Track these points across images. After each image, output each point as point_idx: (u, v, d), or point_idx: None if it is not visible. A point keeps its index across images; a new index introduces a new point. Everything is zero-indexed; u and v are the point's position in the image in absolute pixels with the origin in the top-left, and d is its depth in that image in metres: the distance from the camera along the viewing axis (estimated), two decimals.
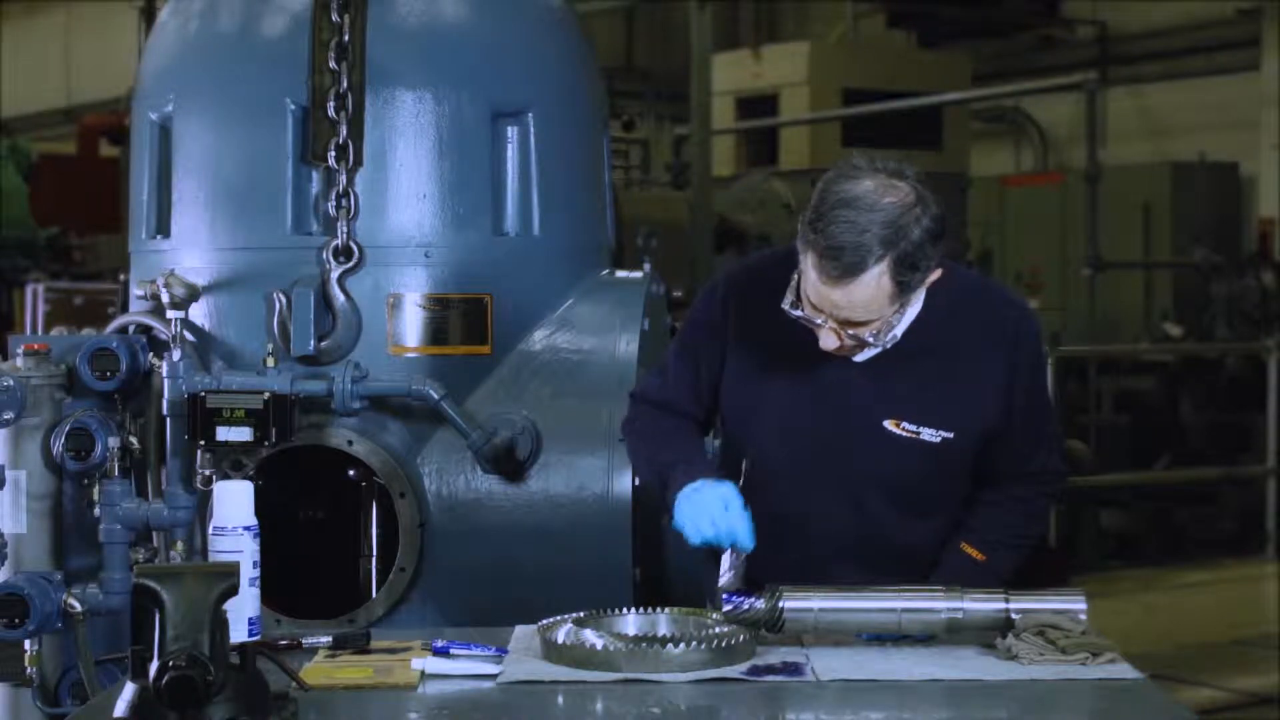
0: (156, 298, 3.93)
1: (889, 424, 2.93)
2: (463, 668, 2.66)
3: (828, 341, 2.82)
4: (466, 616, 3.63)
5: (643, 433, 3.16)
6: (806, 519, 3.01)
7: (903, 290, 2.78)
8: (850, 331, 2.81)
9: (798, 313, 2.84)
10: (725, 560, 2.96)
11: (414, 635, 2.90)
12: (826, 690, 2.58)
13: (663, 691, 2.56)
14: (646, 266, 4.27)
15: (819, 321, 2.82)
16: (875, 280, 2.73)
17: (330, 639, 2.81)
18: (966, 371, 2.94)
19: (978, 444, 2.97)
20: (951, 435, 2.93)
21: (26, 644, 3.88)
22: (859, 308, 2.77)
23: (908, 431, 2.93)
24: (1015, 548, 3.05)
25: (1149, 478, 10.98)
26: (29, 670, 3.91)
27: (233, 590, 2.39)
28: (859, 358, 2.93)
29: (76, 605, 3.81)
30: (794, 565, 2.94)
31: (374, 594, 3.94)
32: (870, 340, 2.84)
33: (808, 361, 2.92)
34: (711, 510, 2.89)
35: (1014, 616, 2.75)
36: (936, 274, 2.84)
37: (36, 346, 3.94)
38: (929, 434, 2.93)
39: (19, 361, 3.92)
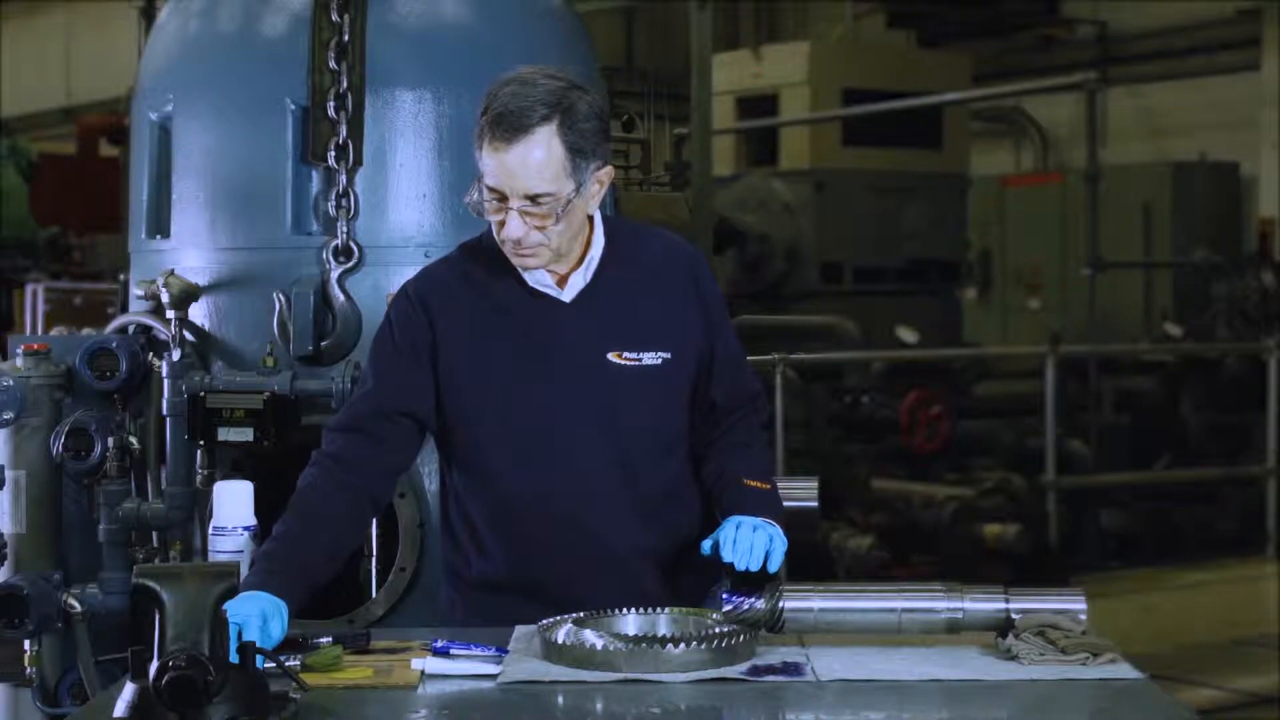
0: (156, 297, 3.93)
1: (612, 356, 3.03)
2: (463, 668, 2.66)
3: (512, 228, 2.89)
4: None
5: (297, 496, 2.98)
6: (580, 483, 3.02)
7: (575, 164, 2.87)
8: (531, 215, 2.88)
9: (478, 197, 2.91)
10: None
11: (414, 635, 2.90)
12: (826, 690, 2.58)
13: (663, 691, 2.56)
14: None
15: (498, 217, 2.90)
16: (546, 142, 2.85)
17: (330, 639, 2.81)
18: (663, 300, 3.08)
19: (694, 366, 3.09)
20: (669, 355, 3.05)
21: (26, 644, 3.88)
22: (534, 172, 2.85)
23: (630, 360, 3.04)
24: (769, 471, 3.17)
25: (1149, 478, 10.97)
26: (29, 670, 3.91)
27: (233, 590, 2.39)
28: (566, 296, 3.02)
29: (76, 605, 3.82)
30: (577, 560, 3.01)
31: (374, 594, 3.94)
32: (555, 220, 2.89)
33: (523, 323, 3.02)
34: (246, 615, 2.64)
35: (1014, 616, 2.75)
36: (607, 173, 2.96)
37: (36, 346, 3.94)
38: (650, 357, 3.04)
39: (19, 361, 3.92)
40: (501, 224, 2.91)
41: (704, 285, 3.14)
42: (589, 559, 3.02)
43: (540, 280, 3.02)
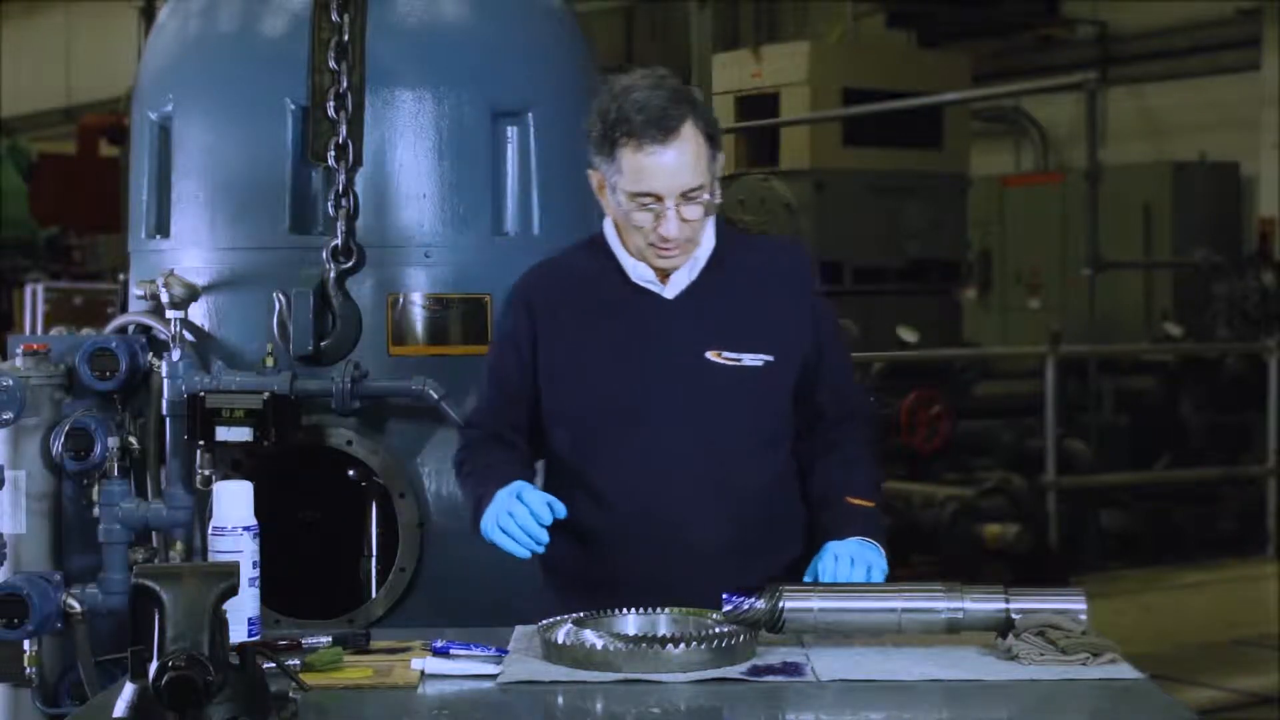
0: (156, 298, 3.93)
1: (711, 355, 3.04)
2: (463, 668, 2.66)
3: (673, 226, 2.94)
4: (467, 617, 3.62)
5: (469, 475, 3.15)
6: (667, 480, 3.02)
7: (711, 154, 2.98)
8: (685, 211, 2.94)
9: (644, 209, 2.94)
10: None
11: (414, 635, 2.90)
12: (826, 690, 2.58)
13: (663, 691, 2.56)
14: None
15: (649, 221, 2.94)
16: (693, 135, 2.94)
17: (330, 639, 2.81)
18: (771, 302, 3.09)
19: (797, 371, 3.09)
20: (772, 358, 3.05)
21: (26, 644, 3.88)
22: (689, 167, 2.93)
23: (729, 359, 3.04)
24: (876, 488, 3.17)
25: (1149, 478, 10.97)
26: (29, 670, 3.91)
27: (233, 590, 2.38)
28: (668, 293, 3.04)
29: (76, 605, 3.81)
30: (665, 558, 3.01)
31: (374, 594, 3.94)
32: (702, 206, 2.96)
33: (622, 318, 3.05)
34: (501, 510, 2.95)
35: (1014, 616, 2.75)
36: (721, 160, 3.03)
37: (36, 346, 3.94)
38: (750, 359, 3.04)
39: (19, 361, 3.92)
40: (654, 226, 2.95)
41: (815, 293, 3.16)
42: (677, 557, 3.01)
43: (643, 276, 3.04)
